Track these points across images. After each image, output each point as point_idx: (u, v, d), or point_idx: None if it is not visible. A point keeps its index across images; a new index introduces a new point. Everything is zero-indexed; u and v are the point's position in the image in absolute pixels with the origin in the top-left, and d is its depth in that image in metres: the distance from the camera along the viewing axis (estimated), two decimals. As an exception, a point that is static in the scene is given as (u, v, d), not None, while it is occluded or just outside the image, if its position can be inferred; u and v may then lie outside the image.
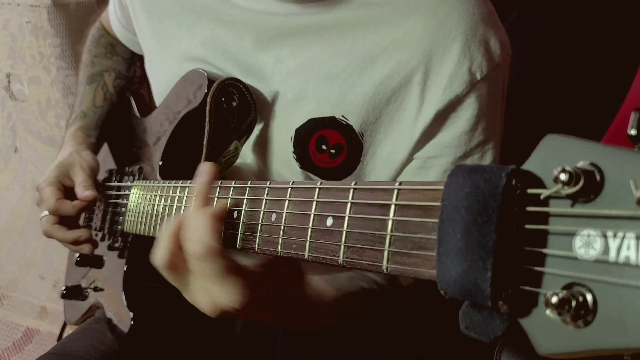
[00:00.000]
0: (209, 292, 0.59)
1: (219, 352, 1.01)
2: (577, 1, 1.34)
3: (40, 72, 1.66)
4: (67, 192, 1.02)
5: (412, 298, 0.85)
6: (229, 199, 0.64)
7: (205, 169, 0.64)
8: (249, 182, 0.63)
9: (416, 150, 0.82)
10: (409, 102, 0.79)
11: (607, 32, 1.28)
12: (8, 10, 1.62)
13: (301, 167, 0.86)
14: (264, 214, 0.59)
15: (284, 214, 0.56)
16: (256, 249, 0.59)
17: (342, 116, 0.82)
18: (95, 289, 1.09)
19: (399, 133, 0.81)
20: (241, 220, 0.62)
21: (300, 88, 0.84)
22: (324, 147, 0.84)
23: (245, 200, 0.63)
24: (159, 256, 0.61)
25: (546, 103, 1.35)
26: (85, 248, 1.04)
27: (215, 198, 0.67)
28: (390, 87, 0.79)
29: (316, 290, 0.71)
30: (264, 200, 0.59)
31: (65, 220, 1.03)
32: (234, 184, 0.65)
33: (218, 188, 0.68)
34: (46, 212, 1.03)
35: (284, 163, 0.88)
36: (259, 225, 0.59)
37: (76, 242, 1.03)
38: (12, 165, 1.85)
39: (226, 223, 0.64)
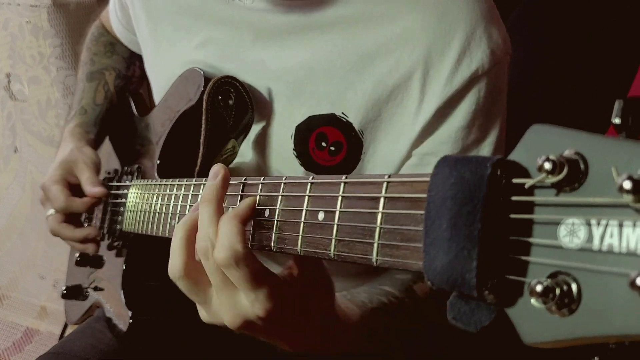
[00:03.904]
0: (235, 303, 0.55)
1: (218, 351, 1.01)
2: (577, 1, 1.34)
3: (40, 72, 1.67)
4: (73, 189, 1.02)
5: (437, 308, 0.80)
6: (258, 196, 0.59)
7: (215, 170, 0.59)
8: (243, 179, 0.63)
9: (415, 147, 0.82)
10: (409, 99, 0.79)
11: (607, 32, 1.28)
12: (8, 10, 1.63)
13: (302, 165, 0.86)
14: (257, 210, 0.59)
15: (277, 210, 0.56)
16: (249, 245, 0.59)
17: (342, 113, 0.82)
18: (96, 289, 1.09)
19: (399, 130, 0.81)
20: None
21: (300, 85, 0.84)
22: (323, 144, 0.84)
23: (239, 196, 0.63)
24: (174, 267, 0.57)
25: (547, 103, 1.35)
26: (90, 248, 1.04)
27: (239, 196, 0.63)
28: (390, 84, 0.79)
29: (343, 308, 0.64)
30: (257, 197, 0.59)
31: (71, 219, 1.04)
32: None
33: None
34: (52, 211, 1.03)
35: (284, 161, 0.88)
36: (251, 222, 0.59)
37: (84, 240, 1.04)
38: (12, 165, 1.86)
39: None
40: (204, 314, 0.60)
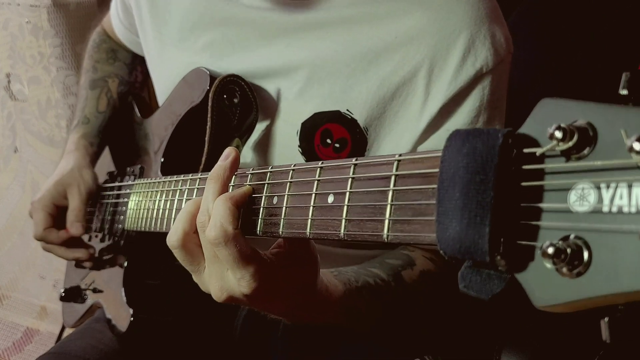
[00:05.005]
0: (222, 278, 0.58)
1: (218, 351, 1.01)
2: (578, 0, 1.35)
3: (40, 72, 1.67)
4: (60, 211, 1.04)
5: (421, 296, 0.83)
6: (248, 185, 0.62)
7: (227, 152, 0.62)
8: (250, 169, 0.64)
9: (419, 143, 0.83)
10: (414, 96, 0.80)
11: (607, 31, 1.29)
12: (8, 10, 1.63)
13: (306, 162, 0.87)
14: (265, 198, 0.60)
15: (285, 196, 0.57)
16: (257, 232, 0.59)
17: (347, 110, 0.83)
18: (95, 291, 1.09)
19: (403, 127, 0.82)
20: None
21: (305, 83, 0.84)
22: (328, 140, 0.85)
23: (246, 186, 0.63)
24: (173, 236, 0.60)
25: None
26: (87, 265, 1.06)
27: (231, 186, 0.65)
28: (395, 82, 0.80)
29: (326, 283, 0.67)
30: (266, 185, 0.60)
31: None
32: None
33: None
34: None
35: (288, 159, 0.89)
36: (261, 208, 0.60)
37: (76, 261, 1.06)
38: (12, 165, 1.86)
39: None
40: (194, 279, 0.64)
